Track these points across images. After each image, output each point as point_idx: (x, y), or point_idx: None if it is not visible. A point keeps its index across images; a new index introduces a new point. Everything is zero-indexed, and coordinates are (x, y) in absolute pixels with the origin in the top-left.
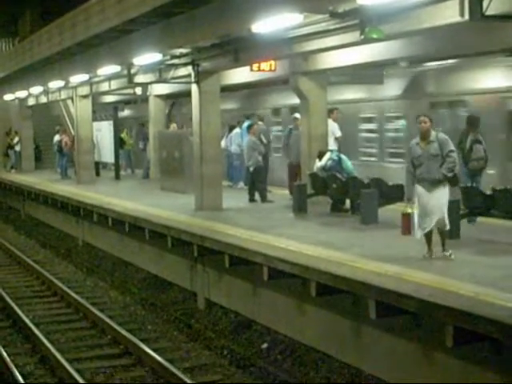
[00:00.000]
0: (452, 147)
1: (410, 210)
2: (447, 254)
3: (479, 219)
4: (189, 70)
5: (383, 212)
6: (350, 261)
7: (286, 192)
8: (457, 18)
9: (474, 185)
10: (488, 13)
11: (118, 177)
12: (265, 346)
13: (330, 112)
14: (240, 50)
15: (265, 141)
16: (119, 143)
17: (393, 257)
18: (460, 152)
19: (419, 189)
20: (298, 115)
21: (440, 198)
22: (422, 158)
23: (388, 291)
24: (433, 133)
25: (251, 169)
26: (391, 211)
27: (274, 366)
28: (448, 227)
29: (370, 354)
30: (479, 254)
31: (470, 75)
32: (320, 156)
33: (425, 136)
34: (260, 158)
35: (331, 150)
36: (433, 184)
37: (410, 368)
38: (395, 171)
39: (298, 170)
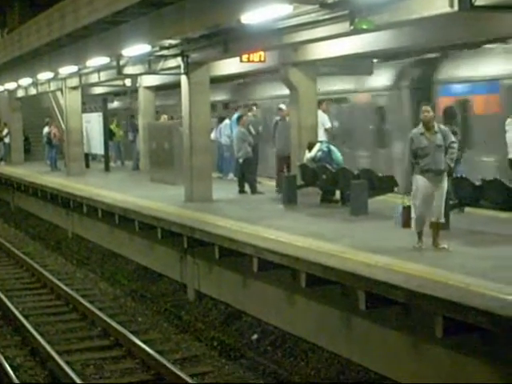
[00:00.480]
0: (453, 138)
1: (408, 203)
2: (445, 246)
3: (468, 210)
4: (178, 61)
5: (373, 203)
6: (339, 252)
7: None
8: (446, 9)
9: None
10: (477, 3)
11: (107, 168)
12: (255, 337)
13: (320, 103)
14: (229, 40)
15: (253, 132)
16: (109, 135)
17: (383, 248)
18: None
19: (421, 180)
20: (283, 106)
21: (445, 189)
22: (428, 148)
23: (378, 282)
24: (434, 123)
25: (241, 160)
26: (381, 202)
27: (264, 357)
28: (443, 219)
29: (360, 344)
30: (469, 245)
31: (351, 78)
32: (310, 147)
33: (429, 126)
34: (250, 150)
35: (321, 141)
36: (438, 174)
37: (400, 358)
38: None
39: (285, 161)
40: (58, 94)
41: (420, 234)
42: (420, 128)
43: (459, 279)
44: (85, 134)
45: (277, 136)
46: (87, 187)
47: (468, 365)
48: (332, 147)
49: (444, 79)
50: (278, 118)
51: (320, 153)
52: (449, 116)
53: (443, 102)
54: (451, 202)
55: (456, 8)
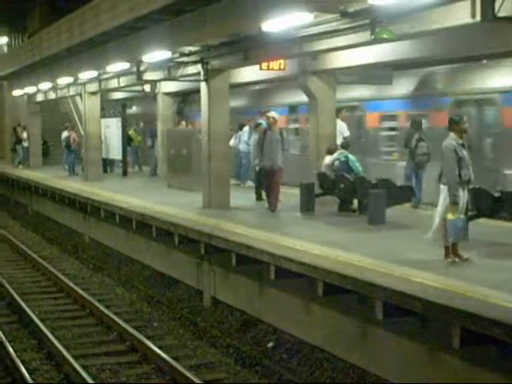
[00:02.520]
0: None
1: (452, 216)
2: (467, 256)
3: (487, 221)
4: (198, 68)
5: (390, 212)
6: (357, 261)
7: (296, 191)
8: (468, 19)
9: (418, 177)
10: (500, 14)
11: (125, 174)
12: (270, 345)
13: (338, 112)
14: (250, 48)
15: None
16: (127, 140)
17: (400, 257)
18: (408, 150)
19: (460, 192)
20: (273, 113)
21: None
22: (467, 159)
23: (395, 292)
24: None
25: (258, 168)
26: (398, 211)
27: (279, 365)
28: None
29: (376, 354)
30: (488, 257)
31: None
32: (330, 152)
33: (462, 137)
34: None
35: (341, 145)
36: (469, 185)
37: (417, 369)
38: None
39: (272, 176)
40: (77, 98)
41: (455, 247)
42: (457, 138)
43: (477, 290)
44: (103, 139)
45: (265, 147)
46: (105, 192)
47: (484, 376)
48: (350, 156)
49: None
50: (265, 127)
51: (337, 162)
52: (415, 126)
53: None
54: (469, 213)
55: (478, 19)
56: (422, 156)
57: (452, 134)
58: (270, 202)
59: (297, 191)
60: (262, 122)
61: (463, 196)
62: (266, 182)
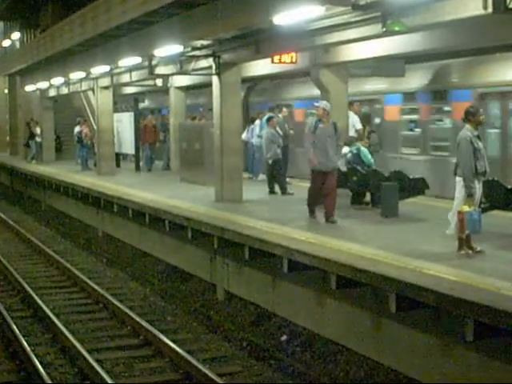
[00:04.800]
0: None
1: (468, 208)
2: (480, 249)
3: (499, 213)
4: (210, 61)
5: (403, 205)
6: (370, 254)
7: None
8: (480, 11)
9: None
10: None
11: (138, 168)
12: (284, 338)
13: (351, 104)
14: (261, 41)
15: (281, 133)
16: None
17: (413, 250)
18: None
19: (476, 183)
20: (325, 104)
21: None
22: (483, 150)
23: (408, 284)
24: None
25: (270, 161)
26: (411, 204)
27: (292, 358)
28: None
29: (390, 347)
30: (500, 248)
31: None
32: (346, 144)
33: (477, 129)
34: (279, 151)
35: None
36: (484, 177)
37: (430, 361)
38: None
39: (324, 177)
40: (90, 93)
41: (469, 239)
42: (472, 130)
43: (490, 282)
44: (116, 133)
45: (317, 144)
46: (118, 186)
47: (499, 369)
48: (362, 149)
49: None
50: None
51: (350, 154)
52: (365, 119)
53: None
54: (482, 206)
55: (490, 10)
56: (373, 146)
57: (468, 126)
58: (325, 212)
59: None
60: (273, 115)
61: (478, 188)
62: (317, 185)
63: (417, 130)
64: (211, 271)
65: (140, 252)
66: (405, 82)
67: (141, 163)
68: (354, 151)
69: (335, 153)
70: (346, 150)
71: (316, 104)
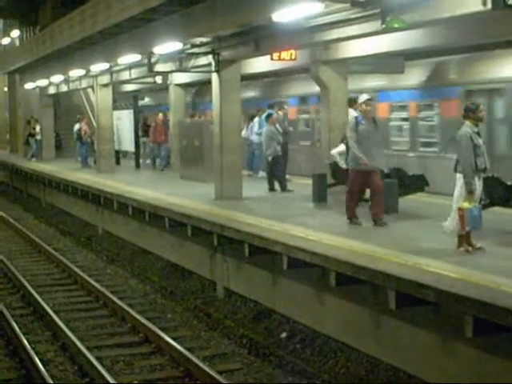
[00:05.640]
0: None
1: (468, 205)
2: (480, 245)
3: (499, 210)
4: (209, 59)
5: (402, 202)
6: (369, 251)
7: (307, 181)
8: (479, 7)
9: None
10: (511, 2)
11: (137, 165)
12: (284, 335)
13: (350, 101)
14: (261, 38)
15: (280, 130)
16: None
17: (413, 247)
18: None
19: (476, 180)
20: (364, 98)
21: None
22: (483, 147)
23: (408, 281)
24: None
25: (270, 158)
26: (411, 201)
27: (293, 355)
28: None
29: (390, 344)
30: (500, 245)
31: None
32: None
33: (477, 125)
34: (278, 148)
35: None
36: (484, 173)
37: (430, 358)
38: None
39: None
40: (89, 91)
41: (468, 236)
42: (472, 127)
43: (490, 279)
44: (115, 131)
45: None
46: (117, 184)
47: (498, 365)
48: None
49: None
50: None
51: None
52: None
53: None
54: (482, 202)
55: (489, 6)
56: None
57: (468, 122)
58: (373, 214)
59: (309, 181)
60: (273, 112)
61: (478, 185)
62: (357, 186)
63: (405, 126)
64: (211, 268)
65: (140, 249)
66: (397, 80)
67: (147, 161)
68: None
69: (378, 151)
70: (342, 146)
71: (361, 97)
